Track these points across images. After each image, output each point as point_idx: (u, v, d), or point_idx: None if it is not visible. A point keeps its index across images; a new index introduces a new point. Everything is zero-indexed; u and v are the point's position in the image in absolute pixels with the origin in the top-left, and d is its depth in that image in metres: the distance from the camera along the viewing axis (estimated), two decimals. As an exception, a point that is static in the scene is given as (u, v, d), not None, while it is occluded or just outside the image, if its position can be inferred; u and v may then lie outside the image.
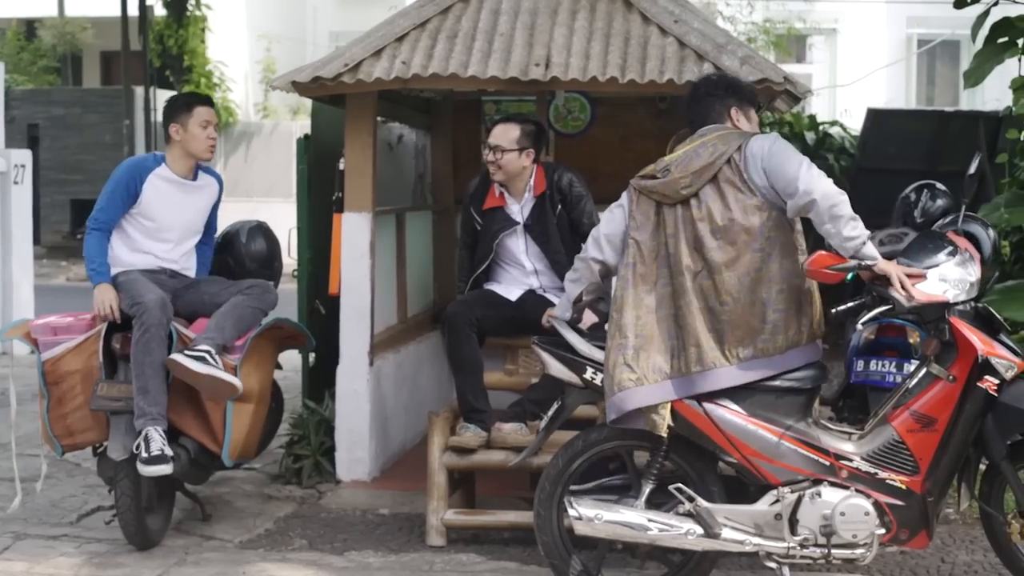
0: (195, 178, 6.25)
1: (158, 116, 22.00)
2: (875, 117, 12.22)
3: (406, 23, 6.70)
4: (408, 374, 7.61)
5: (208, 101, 6.39)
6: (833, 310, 4.85)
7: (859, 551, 4.87)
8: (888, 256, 4.97)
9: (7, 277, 12.63)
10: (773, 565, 4.96)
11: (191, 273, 6.29)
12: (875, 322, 6.03)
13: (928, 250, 4.97)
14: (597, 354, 4.97)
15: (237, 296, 6.01)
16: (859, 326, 5.61)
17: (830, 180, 4.84)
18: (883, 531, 4.86)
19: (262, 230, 6.89)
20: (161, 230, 6.14)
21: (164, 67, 22.86)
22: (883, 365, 6.30)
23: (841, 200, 4.77)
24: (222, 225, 6.73)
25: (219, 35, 23.91)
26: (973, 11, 8.42)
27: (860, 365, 6.40)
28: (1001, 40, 8.48)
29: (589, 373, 4.97)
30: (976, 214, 5.50)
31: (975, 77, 8.46)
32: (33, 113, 22.59)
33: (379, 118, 8.33)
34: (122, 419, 5.78)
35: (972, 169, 5.54)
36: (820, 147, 12.43)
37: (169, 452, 5.65)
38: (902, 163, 11.54)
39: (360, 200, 6.81)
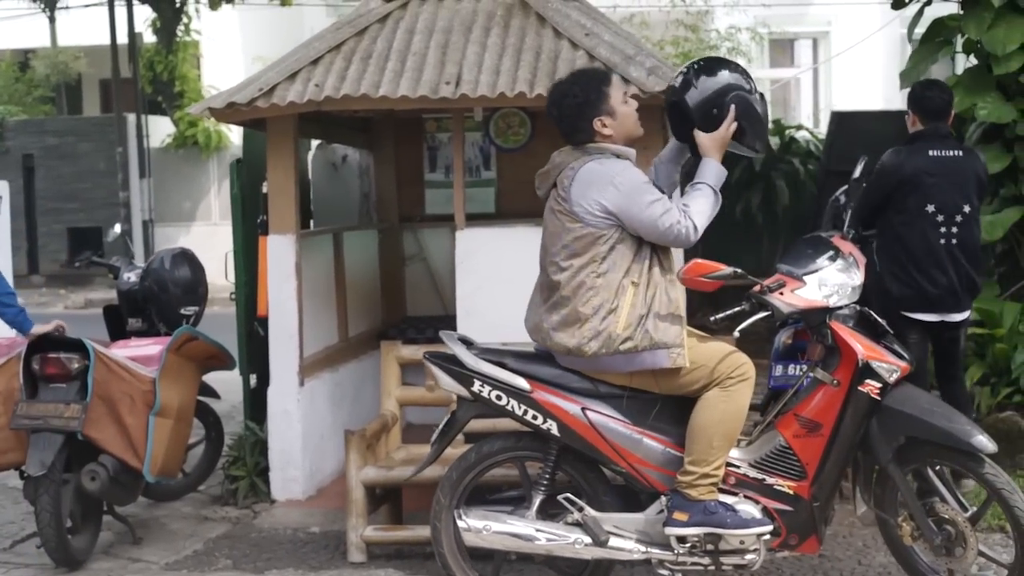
0: None
1: (151, 143, 22.22)
2: (840, 120, 12.18)
3: (322, 46, 6.77)
4: (348, 392, 7.67)
5: None
6: (712, 318, 4.88)
7: (748, 557, 4.89)
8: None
9: (-14, 305, 12.76)
10: (665, 573, 4.99)
11: None
12: (792, 326, 6.04)
13: (808, 256, 5.01)
14: (484, 367, 5.01)
15: None
16: (737, 330, 5.48)
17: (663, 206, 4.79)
18: (770, 536, 4.89)
19: (186, 257, 7.00)
20: None
21: (156, 93, 23.03)
22: (799, 369, 6.31)
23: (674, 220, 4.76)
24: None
25: (214, 59, 24.04)
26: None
27: (778, 370, 6.39)
28: (938, 40, 8.54)
29: (477, 385, 5.00)
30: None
31: (911, 77, 8.48)
32: (27, 143, 22.80)
33: (317, 140, 8.46)
34: (41, 437, 5.90)
35: (857, 172, 5.55)
36: (786, 152, 12.40)
37: None
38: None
39: (283, 222, 6.88)
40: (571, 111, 4.91)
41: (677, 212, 4.74)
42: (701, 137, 4.89)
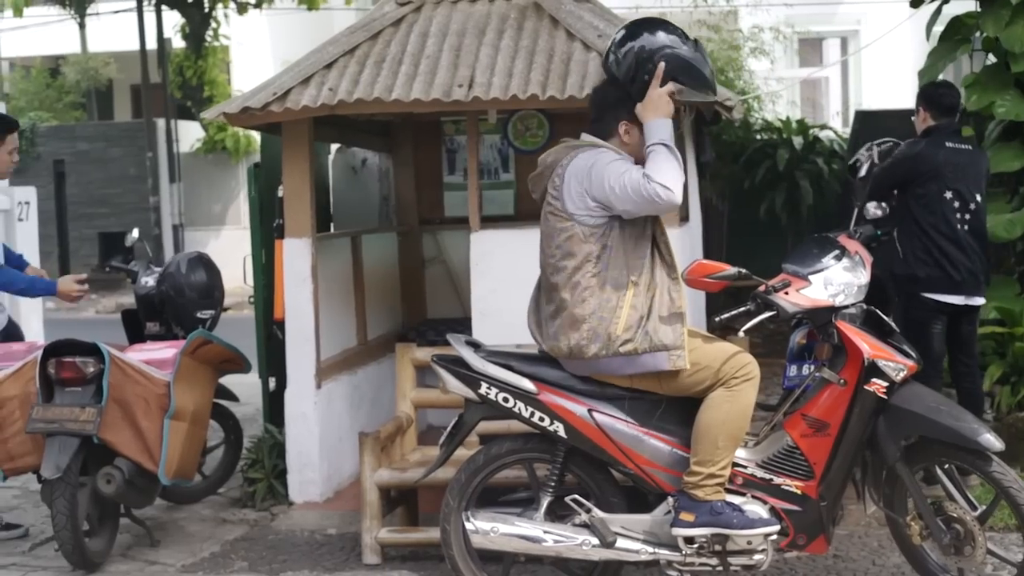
0: None
1: (180, 147, 22.38)
2: (864, 119, 12.22)
3: (335, 50, 6.81)
4: (366, 395, 7.70)
5: (16, 126, 6.95)
6: (716, 318, 4.88)
7: (756, 557, 4.89)
8: None
9: (15, 312, 12.86)
10: (674, 574, 4.98)
11: None
12: (806, 326, 6.03)
13: (813, 255, 5.01)
14: (490, 369, 5.02)
15: None
16: (742, 330, 5.43)
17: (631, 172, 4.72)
18: (778, 537, 4.88)
19: (202, 261, 7.03)
20: None
21: (186, 98, 23.20)
22: (812, 369, 6.29)
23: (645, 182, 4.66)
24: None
25: (243, 64, 24.17)
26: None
27: (792, 370, 6.37)
28: (956, 38, 8.51)
29: (484, 388, 5.02)
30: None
31: (929, 75, 8.46)
32: (58, 149, 23.04)
33: (336, 144, 8.50)
34: (56, 440, 5.94)
35: (863, 172, 5.53)
36: (810, 152, 12.38)
37: None
38: (894, 163, 11.50)
39: (299, 226, 6.91)
40: (605, 101, 4.91)
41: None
42: (637, 109, 4.82)
